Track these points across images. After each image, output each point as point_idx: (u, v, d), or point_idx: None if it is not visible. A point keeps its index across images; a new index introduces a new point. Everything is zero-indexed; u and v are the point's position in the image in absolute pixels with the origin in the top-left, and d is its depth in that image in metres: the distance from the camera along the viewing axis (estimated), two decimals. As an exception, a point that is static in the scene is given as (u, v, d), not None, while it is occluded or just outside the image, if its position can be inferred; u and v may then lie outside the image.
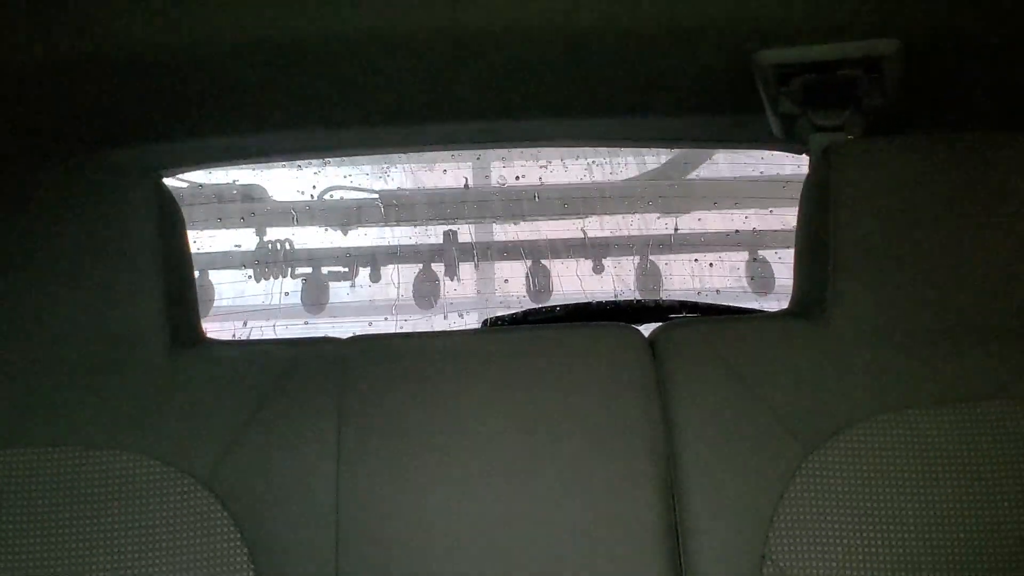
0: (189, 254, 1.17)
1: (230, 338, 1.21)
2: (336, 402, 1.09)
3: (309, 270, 2.91)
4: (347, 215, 2.78)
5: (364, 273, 2.86)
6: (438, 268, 2.82)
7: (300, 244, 2.83)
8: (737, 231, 2.59)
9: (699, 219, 2.69)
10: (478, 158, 2.26)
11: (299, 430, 1.08)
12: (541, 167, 2.27)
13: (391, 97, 1.30)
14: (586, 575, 1.05)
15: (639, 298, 1.45)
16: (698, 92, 1.32)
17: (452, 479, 1.07)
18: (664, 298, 1.50)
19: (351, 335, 1.18)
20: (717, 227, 2.66)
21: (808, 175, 1.18)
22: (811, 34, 1.16)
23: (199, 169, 1.53)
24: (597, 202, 2.56)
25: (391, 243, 2.77)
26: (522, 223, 2.67)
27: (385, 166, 2.37)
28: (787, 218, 2.50)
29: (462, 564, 1.05)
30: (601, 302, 1.53)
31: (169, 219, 1.11)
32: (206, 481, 1.05)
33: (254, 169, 2.50)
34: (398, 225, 2.77)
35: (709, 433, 1.08)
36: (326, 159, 2.19)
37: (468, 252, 2.86)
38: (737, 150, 2.17)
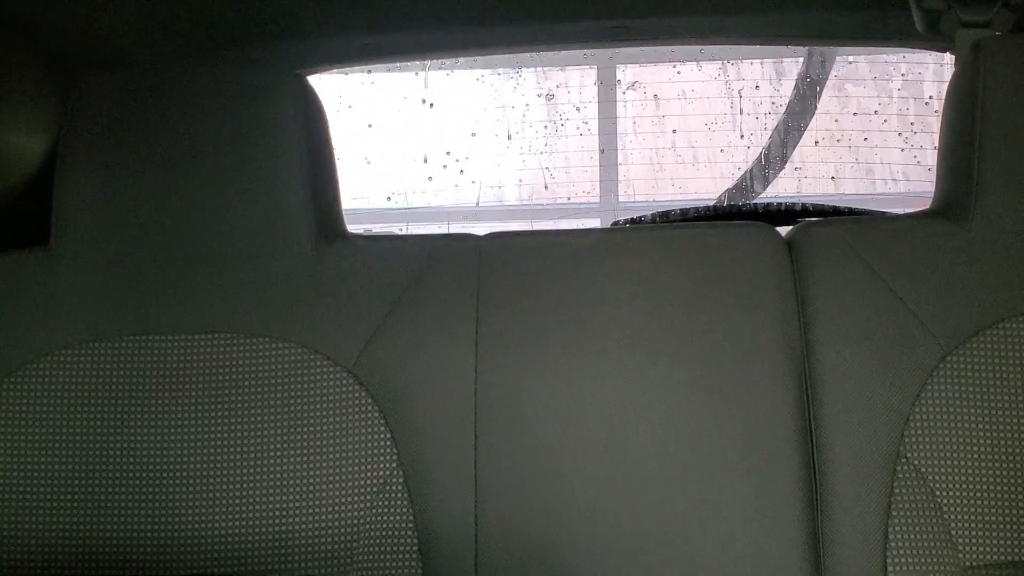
0: (332, 151, 1.19)
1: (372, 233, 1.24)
2: (474, 295, 1.11)
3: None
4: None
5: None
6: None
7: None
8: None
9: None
10: (611, 58, 2.24)
11: (439, 322, 1.10)
12: (675, 70, 2.23)
13: None
14: (719, 470, 1.06)
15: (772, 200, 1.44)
16: None
17: (587, 373, 1.09)
18: (799, 200, 1.48)
19: (489, 231, 1.20)
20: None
21: (954, 73, 1.15)
22: None
23: (333, 67, 1.55)
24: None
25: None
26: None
27: (517, 67, 2.36)
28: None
29: (596, 457, 1.07)
30: (734, 205, 1.51)
31: (314, 115, 1.13)
32: (352, 369, 1.08)
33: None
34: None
35: (847, 332, 1.08)
36: (457, 59, 2.20)
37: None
38: (878, 48, 2.10)
